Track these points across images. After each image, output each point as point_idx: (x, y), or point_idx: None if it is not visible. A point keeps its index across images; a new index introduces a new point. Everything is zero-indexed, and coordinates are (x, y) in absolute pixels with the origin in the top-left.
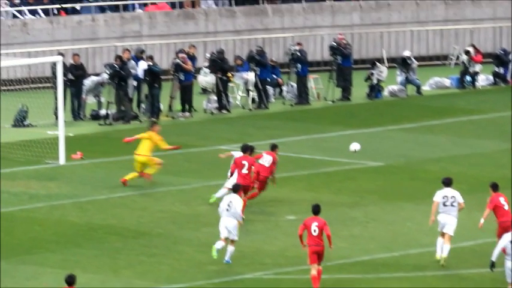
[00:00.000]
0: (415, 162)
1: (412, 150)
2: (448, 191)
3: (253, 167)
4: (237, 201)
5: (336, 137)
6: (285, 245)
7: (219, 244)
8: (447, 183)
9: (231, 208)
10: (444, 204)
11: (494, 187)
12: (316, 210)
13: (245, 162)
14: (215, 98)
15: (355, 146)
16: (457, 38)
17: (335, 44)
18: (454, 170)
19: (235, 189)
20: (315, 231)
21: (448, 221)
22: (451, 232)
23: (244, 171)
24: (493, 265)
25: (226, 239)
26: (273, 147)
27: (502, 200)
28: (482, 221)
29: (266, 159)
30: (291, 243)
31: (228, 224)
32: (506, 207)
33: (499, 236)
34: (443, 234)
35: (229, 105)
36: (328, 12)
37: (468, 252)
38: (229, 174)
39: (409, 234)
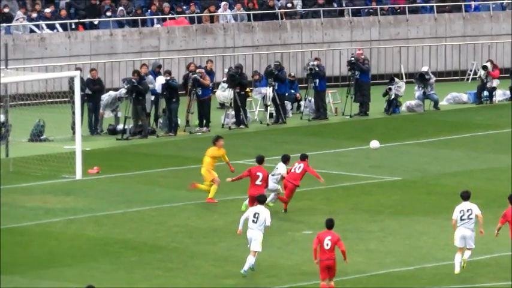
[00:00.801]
0: (432, 176)
1: (428, 165)
2: (465, 205)
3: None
4: (263, 213)
5: (353, 151)
6: (301, 260)
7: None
8: (465, 196)
9: (257, 220)
10: (461, 218)
11: (511, 199)
12: (329, 224)
13: (260, 174)
14: (233, 112)
15: (374, 144)
16: (475, 53)
17: (353, 59)
18: (470, 185)
19: (261, 200)
20: (327, 245)
21: (466, 235)
22: (471, 245)
23: (258, 182)
24: None
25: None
26: (303, 157)
27: None
28: (496, 231)
29: (297, 167)
30: (307, 258)
31: (253, 235)
32: None
33: None
34: (461, 249)
35: (247, 120)
36: (347, 28)
37: (483, 266)
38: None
39: (425, 248)
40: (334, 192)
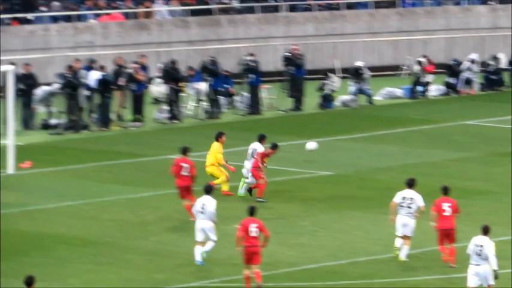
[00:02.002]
0: (365, 171)
1: (362, 160)
2: (408, 193)
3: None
4: (210, 203)
5: (288, 146)
6: (232, 254)
7: (198, 256)
8: (409, 184)
9: (205, 210)
10: (402, 206)
11: (443, 190)
12: (252, 211)
13: (184, 165)
14: (167, 107)
15: (311, 145)
16: (410, 48)
17: (288, 54)
18: (403, 179)
19: (208, 190)
20: (252, 231)
21: (405, 223)
22: (408, 233)
23: (184, 173)
24: None
25: (202, 243)
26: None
27: (444, 205)
28: (432, 224)
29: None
30: (238, 252)
31: (204, 226)
32: (447, 213)
33: (440, 243)
34: (402, 237)
35: (181, 115)
36: (283, 23)
37: (414, 260)
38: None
39: (356, 243)
40: (268, 186)
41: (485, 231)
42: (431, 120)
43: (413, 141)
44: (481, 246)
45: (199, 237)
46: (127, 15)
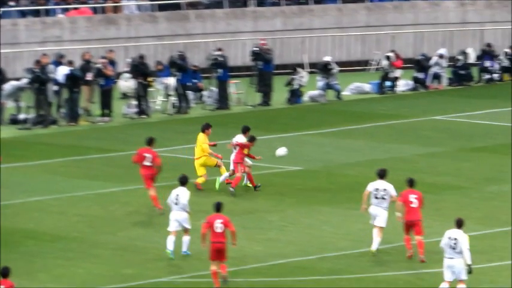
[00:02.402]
0: (334, 166)
1: (330, 155)
2: (380, 184)
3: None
4: (183, 194)
5: (256, 141)
6: (200, 249)
7: (170, 245)
8: (381, 174)
9: (179, 201)
10: (375, 197)
11: (409, 182)
12: (218, 207)
13: (147, 155)
14: (135, 102)
15: (281, 151)
16: (379, 43)
17: (257, 49)
18: (371, 174)
19: (183, 181)
20: (218, 228)
21: (379, 213)
22: (381, 224)
23: (146, 163)
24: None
25: (176, 232)
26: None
27: (411, 196)
28: (398, 214)
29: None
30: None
31: (178, 217)
32: (414, 204)
33: (406, 233)
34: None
35: (149, 110)
36: (251, 18)
37: (383, 255)
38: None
39: (325, 238)
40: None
41: (459, 224)
42: (400, 115)
43: (381, 136)
44: (456, 239)
45: (172, 227)
46: (95, 10)
